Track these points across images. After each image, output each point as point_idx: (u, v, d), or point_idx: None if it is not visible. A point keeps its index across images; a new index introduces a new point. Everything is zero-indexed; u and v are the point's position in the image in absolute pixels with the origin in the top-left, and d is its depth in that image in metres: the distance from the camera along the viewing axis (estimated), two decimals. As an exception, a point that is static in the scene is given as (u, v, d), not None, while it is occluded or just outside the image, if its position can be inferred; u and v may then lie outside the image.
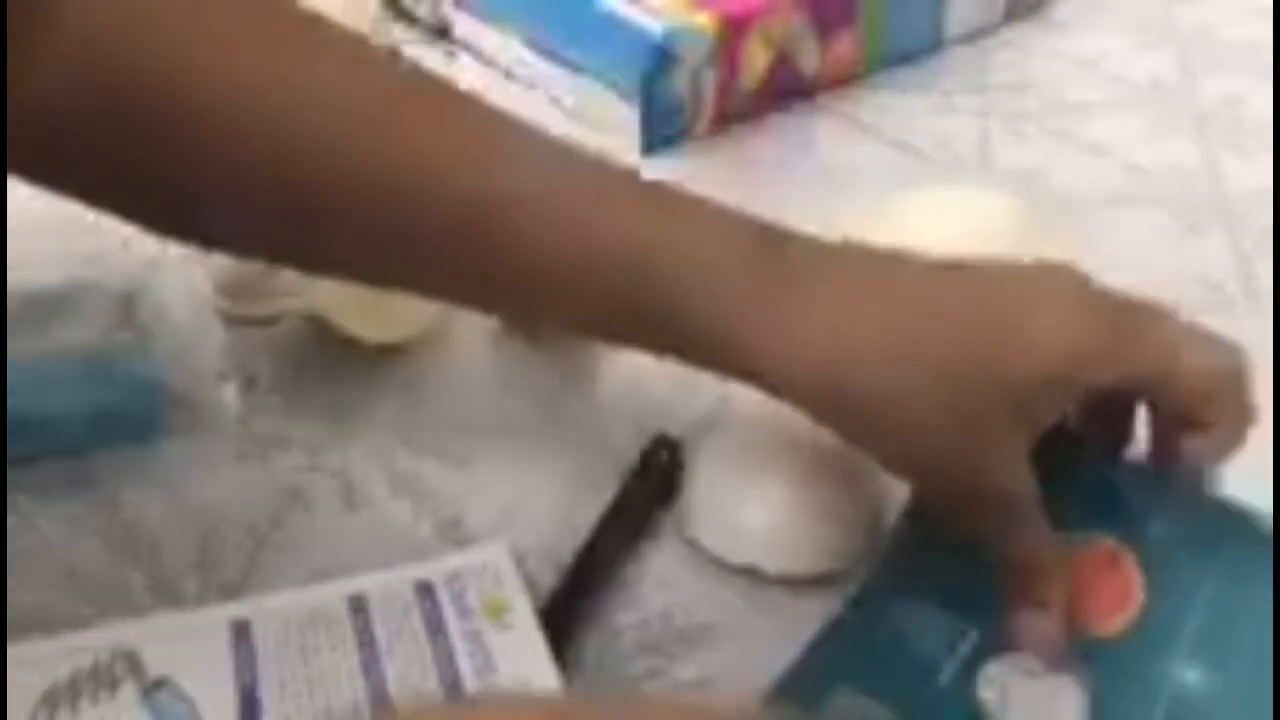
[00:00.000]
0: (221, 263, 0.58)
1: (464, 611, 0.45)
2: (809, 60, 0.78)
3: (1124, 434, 0.43)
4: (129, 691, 0.41)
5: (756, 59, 0.76)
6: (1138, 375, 0.39)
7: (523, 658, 0.43)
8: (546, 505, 0.51)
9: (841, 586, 0.46)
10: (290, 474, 0.52)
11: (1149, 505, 0.41)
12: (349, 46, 0.43)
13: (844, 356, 0.39)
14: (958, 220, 0.56)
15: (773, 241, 0.41)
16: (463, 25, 0.82)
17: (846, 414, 0.39)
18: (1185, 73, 0.84)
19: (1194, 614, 0.38)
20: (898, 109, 0.79)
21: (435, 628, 0.44)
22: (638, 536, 0.49)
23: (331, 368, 0.57)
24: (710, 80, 0.74)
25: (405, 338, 0.57)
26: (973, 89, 0.82)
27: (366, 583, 0.46)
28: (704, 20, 0.73)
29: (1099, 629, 0.39)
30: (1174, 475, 0.40)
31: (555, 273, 0.40)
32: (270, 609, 0.45)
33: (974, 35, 0.87)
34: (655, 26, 0.72)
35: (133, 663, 0.42)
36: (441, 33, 0.83)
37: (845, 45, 0.80)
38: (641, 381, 0.56)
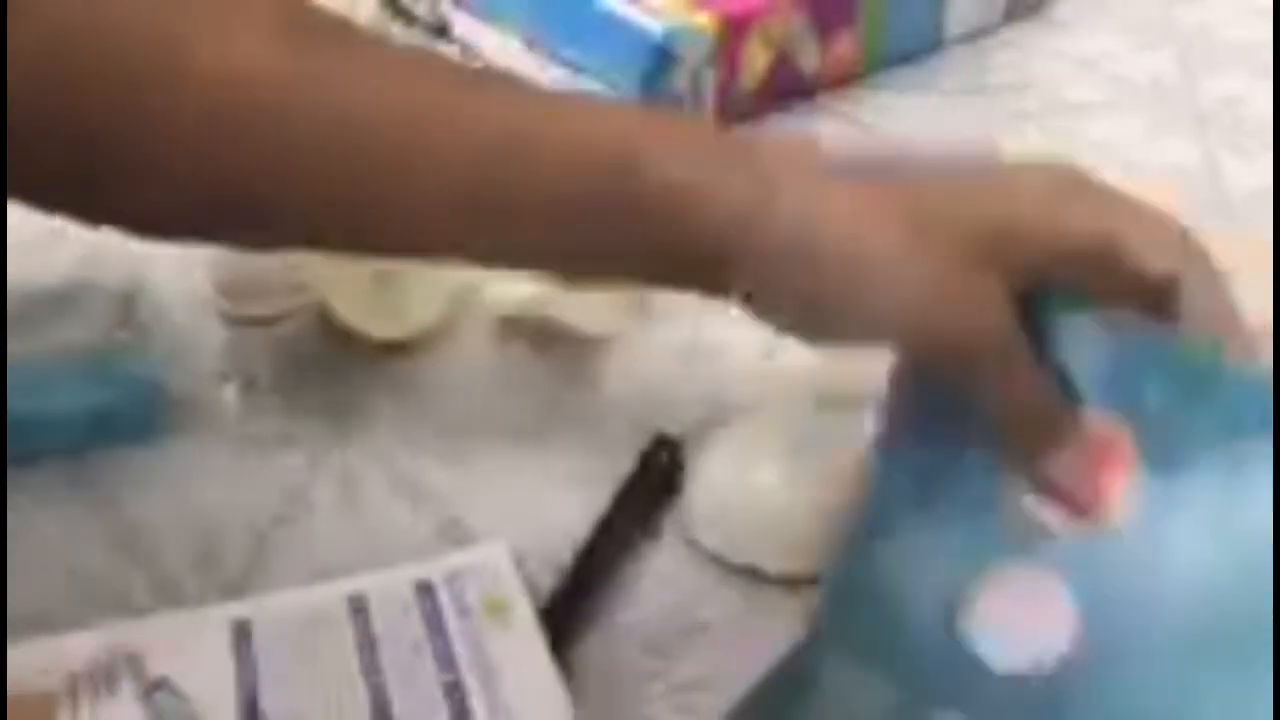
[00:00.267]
0: (221, 263, 0.58)
1: (464, 611, 0.45)
2: (809, 60, 0.78)
3: None
4: (129, 691, 0.41)
5: (756, 59, 0.76)
6: (1091, 237, 0.38)
7: (523, 658, 0.43)
8: (546, 505, 0.51)
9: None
10: (290, 474, 0.52)
11: (1144, 375, 0.39)
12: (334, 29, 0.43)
13: (815, 214, 0.38)
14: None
15: (743, 139, 0.42)
16: (462, 24, 0.82)
17: (821, 278, 0.39)
18: (1185, 73, 0.84)
19: (1195, 491, 0.37)
20: (898, 109, 0.79)
21: (435, 628, 0.44)
22: (638, 536, 0.49)
23: (332, 368, 0.57)
24: (710, 80, 0.74)
25: (409, 334, 0.57)
26: (973, 89, 0.82)
27: (366, 583, 0.46)
28: (704, 20, 0.73)
29: (1095, 518, 0.38)
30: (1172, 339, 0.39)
31: (570, 193, 0.40)
32: (270, 609, 0.45)
33: (974, 35, 0.87)
34: (655, 26, 0.72)
35: (133, 663, 0.42)
36: (440, 31, 0.83)
37: (845, 45, 0.80)
38: (641, 381, 0.56)
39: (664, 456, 0.51)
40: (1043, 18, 0.91)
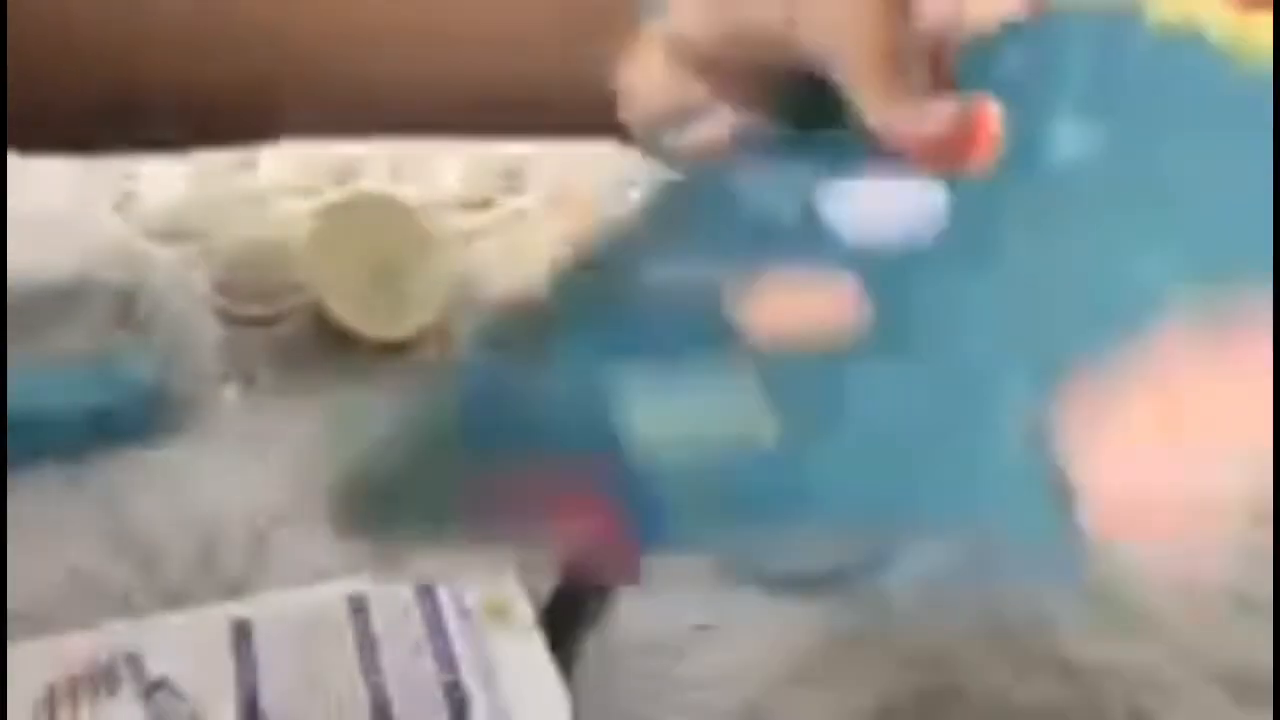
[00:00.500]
0: (221, 262, 0.58)
1: (464, 612, 0.45)
2: (808, 60, 0.78)
3: None
4: (129, 691, 0.41)
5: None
6: None
7: (523, 658, 0.43)
8: (546, 505, 0.51)
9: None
10: (290, 474, 0.52)
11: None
12: None
13: None
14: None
15: None
16: None
17: None
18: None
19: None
20: (897, 109, 0.79)
21: (435, 628, 0.44)
22: (638, 536, 0.49)
23: (331, 368, 0.57)
24: (710, 80, 0.74)
25: (408, 334, 0.57)
26: (972, 89, 0.82)
27: (366, 583, 0.46)
28: (703, 20, 0.73)
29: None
30: None
31: None
32: (270, 609, 0.45)
33: (973, 35, 0.87)
34: (655, 26, 0.72)
35: (133, 663, 0.42)
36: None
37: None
38: (641, 381, 0.56)
39: (664, 456, 0.51)
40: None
